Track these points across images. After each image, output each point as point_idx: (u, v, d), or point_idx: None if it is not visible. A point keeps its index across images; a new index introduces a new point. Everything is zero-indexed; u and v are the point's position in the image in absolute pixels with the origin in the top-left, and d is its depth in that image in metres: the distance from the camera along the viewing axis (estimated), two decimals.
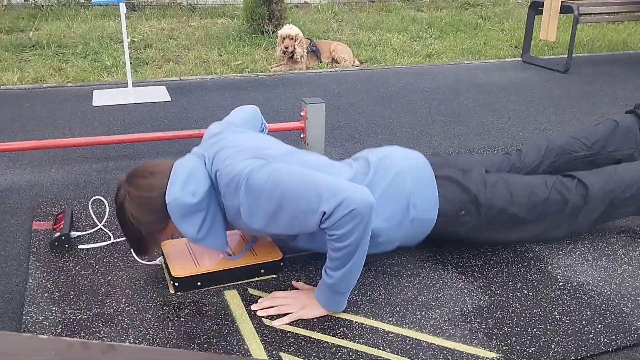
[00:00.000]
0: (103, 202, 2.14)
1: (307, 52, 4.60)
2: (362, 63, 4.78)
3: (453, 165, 1.94)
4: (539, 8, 4.44)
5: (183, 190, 1.60)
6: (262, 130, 2.09)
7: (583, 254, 1.96)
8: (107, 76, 4.21)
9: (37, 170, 2.56)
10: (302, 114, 2.74)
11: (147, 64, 4.62)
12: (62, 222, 2.00)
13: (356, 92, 3.87)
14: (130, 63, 3.70)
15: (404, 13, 7.01)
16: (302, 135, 2.77)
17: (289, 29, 4.40)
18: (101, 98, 3.58)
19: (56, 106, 3.45)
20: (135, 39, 5.24)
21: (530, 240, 1.99)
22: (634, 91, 3.92)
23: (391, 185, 1.78)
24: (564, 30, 5.57)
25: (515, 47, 5.41)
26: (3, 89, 3.78)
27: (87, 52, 4.81)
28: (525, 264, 1.91)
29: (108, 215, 2.10)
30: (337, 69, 4.49)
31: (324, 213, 1.50)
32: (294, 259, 1.89)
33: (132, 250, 1.77)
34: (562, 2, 4.22)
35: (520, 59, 4.77)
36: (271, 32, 5.55)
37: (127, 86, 3.70)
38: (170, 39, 5.51)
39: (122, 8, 3.53)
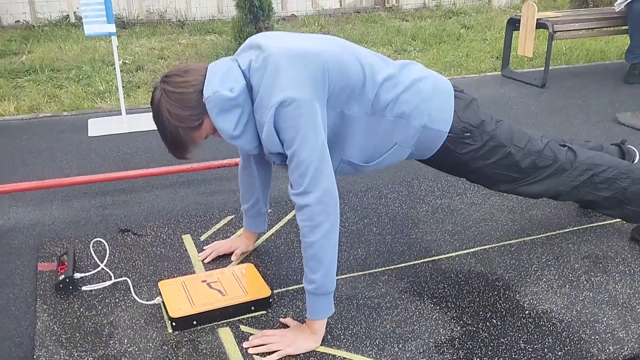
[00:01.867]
0: (103, 243, 2.28)
1: None
2: None
3: (468, 95, 2.08)
4: (517, 24, 4.61)
5: (221, 85, 1.71)
6: None
7: (549, 280, 2.13)
8: (101, 102, 4.35)
9: (39, 207, 2.70)
10: None
11: (139, 87, 4.76)
12: (66, 263, 2.14)
13: None
14: (123, 87, 3.83)
15: (389, 24, 7.16)
16: None
17: None
18: (96, 128, 3.72)
19: (53, 138, 3.59)
20: (126, 61, 5.38)
21: (513, 185, 2.12)
22: (607, 106, 4.09)
23: (412, 87, 1.90)
24: (544, 39, 5.73)
25: (497, 57, 5.57)
26: (1, 120, 3.92)
27: (80, 77, 4.94)
28: (495, 292, 2.07)
29: (109, 255, 2.25)
30: None
31: (301, 185, 1.69)
32: (282, 295, 2.04)
33: (169, 151, 1.86)
34: (537, 19, 4.38)
35: (500, 73, 4.93)
36: None
37: (120, 114, 3.85)
38: (161, 59, 5.65)
39: (114, 41, 3.67)
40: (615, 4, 4.55)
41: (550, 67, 4.66)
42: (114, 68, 5.02)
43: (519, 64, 5.20)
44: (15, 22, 6.78)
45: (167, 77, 1.78)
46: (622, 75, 4.73)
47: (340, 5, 7.87)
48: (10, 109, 4.08)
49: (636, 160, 2.59)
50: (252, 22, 5.65)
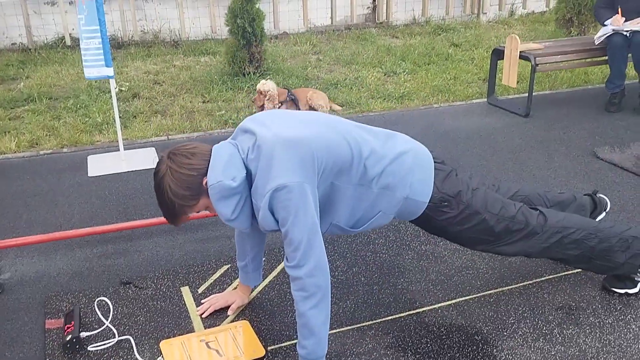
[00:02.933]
0: (107, 302, 2.43)
1: (286, 101, 4.90)
2: (341, 107, 5.08)
3: (447, 165, 2.26)
4: (501, 54, 4.76)
5: (224, 174, 1.88)
6: None
7: (524, 334, 2.29)
8: (99, 135, 4.48)
9: (44, 258, 2.84)
10: None
11: (135, 117, 4.89)
12: (72, 322, 2.28)
13: None
14: (120, 117, 3.94)
15: (380, 42, 7.31)
16: None
17: (261, 85, 4.72)
18: (96, 167, 3.86)
19: (54, 178, 3.73)
20: (122, 88, 5.50)
21: (488, 247, 2.29)
22: (587, 138, 4.25)
23: (396, 160, 2.08)
24: (528, 67, 5.89)
25: (483, 80, 5.73)
26: (3, 159, 4.05)
27: (78, 106, 5.07)
28: (474, 347, 2.22)
29: (112, 312, 2.39)
30: None
31: (294, 259, 1.87)
32: (276, 352, 2.19)
33: (166, 219, 2.03)
34: (520, 51, 4.54)
35: (486, 100, 5.09)
36: (252, 74, 5.84)
37: (118, 149, 3.98)
38: (156, 84, 5.78)
39: (112, 83, 3.81)
40: (595, 37, 4.71)
41: (534, 93, 4.82)
42: (111, 97, 5.18)
43: (505, 89, 5.36)
44: (12, 44, 6.89)
45: (175, 155, 1.94)
46: (603, 102, 4.89)
47: (332, 22, 8.01)
48: (12, 146, 4.21)
49: (607, 208, 2.75)
50: (245, 47, 5.79)
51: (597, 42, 4.68)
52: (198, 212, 2.04)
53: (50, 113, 4.94)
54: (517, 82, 4.83)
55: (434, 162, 2.19)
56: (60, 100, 5.24)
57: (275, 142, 1.90)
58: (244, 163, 1.94)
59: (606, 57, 4.71)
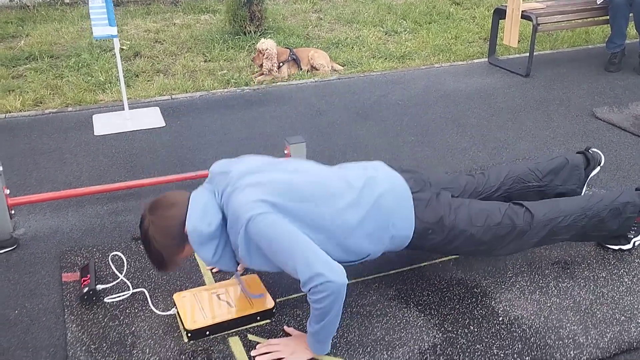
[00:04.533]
0: (121, 257, 2.51)
1: (288, 61, 4.92)
2: (342, 67, 5.11)
3: (428, 189, 2.31)
4: (503, 14, 4.76)
5: (201, 221, 1.98)
6: None
7: (521, 287, 2.39)
8: (102, 94, 4.51)
9: (56, 215, 2.92)
10: (285, 151, 3.10)
11: (137, 76, 4.91)
12: (88, 275, 2.38)
13: (335, 108, 4.22)
14: (123, 76, 3.96)
15: (381, 0, 7.26)
16: None
17: (260, 44, 4.74)
18: (101, 126, 3.91)
19: (60, 136, 3.78)
20: (123, 47, 5.50)
21: (483, 254, 2.41)
22: (586, 98, 4.31)
23: (374, 205, 2.14)
24: (530, 27, 5.89)
25: (484, 39, 5.74)
26: (9, 117, 4.09)
27: (80, 65, 5.08)
28: (474, 299, 2.33)
29: (126, 266, 2.48)
30: (316, 78, 4.82)
31: (299, 278, 1.89)
32: (284, 304, 2.29)
33: (155, 268, 2.12)
34: (522, 11, 4.55)
35: (487, 60, 5.11)
36: (253, 33, 5.83)
37: (123, 109, 4.03)
38: (157, 42, 5.78)
39: (116, 43, 3.83)
40: None
41: (535, 53, 4.85)
42: (113, 56, 5.19)
43: (506, 49, 5.37)
44: (10, 1, 6.84)
45: (155, 208, 2.03)
46: (603, 62, 4.92)
47: None
48: (17, 104, 4.24)
49: (602, 162, 2.80)
50: (245, 6, 5.76)
51: (599, 2, 4.69)
52: (186, 258, 2.14)
53: (52, 72, 4.96)
54: (518, 41, 4.84)
55: (412, 193, 2.23)
56: (62, 59, 5.25)
57: (244, 185, 2.01)
58: (220, 208, 2.03)
59: (607, 17, 4.72)
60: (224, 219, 2.03)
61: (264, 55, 4.78)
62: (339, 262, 1.96)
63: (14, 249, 2.65)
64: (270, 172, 2.11)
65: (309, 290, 1.89)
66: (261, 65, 4.84)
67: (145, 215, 2.04)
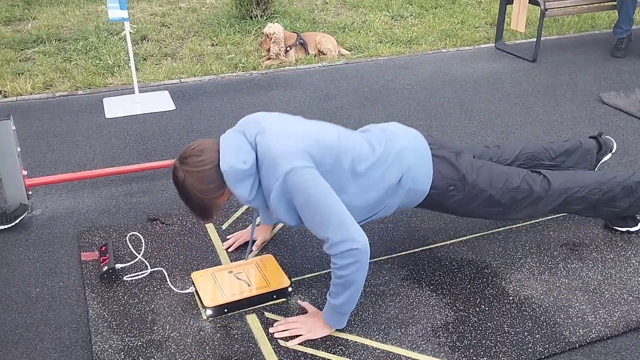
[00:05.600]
0: (139, 236, 2.56)
1: (295, 45, 4.94)
2: (349, 51, 5.13)
3: (447, 147, 2.36)
4: None
5: (236, 158, 1.98)
6: None
7: (531, 268, 2.44)
8: (111, 77, 4.54)
9: (72, 196, 2.97)
10: None
11: (145, 59, 4.94)
12: (107, 254, 2.43)
13: (343, 92, 4.25)
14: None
15: None
16: None
17: (267, 28, 4.76)
18: (112, 109, 3.94)
19: (72, 119, 3.82)
20: (131, 31, 5.50)
21: (498, 216, 2.45)
22: (593, 83, 4.34)
23: (395, 160, 2.19)
24: (537, 12, 5.90)
25: (491, 24, 5.75)
26: (20, 100, 4.12)
27: (88, 49, 5.10)
28: (484, 279, 2.38)
29: (144, 246, 2.53)
30: (324, 63, 4.84)
31: (328, 239, 1.92)
32: (299, 284, 2.35)
33: (197, 219, 2.16)
34: None
35: (494, 45, 5.13)
36: (259, 17, 5.84)
37: (133, 92, 4.06)
38: (163, 26, 5.79)
39: (127, 26, 3.85)
40: None
41: (542, 38, 4.87)
42: (120, 39, 5.22)
43: (513, 34, 5.39)
44: None
45: (185, 158, 2.01)
46: (610, 48, 4.95)
47: None
48: (27, 87, 4.27)
49: (614, 149, 2.85)
50: None
51: None
52: (227, 200, 2.13)
53: (60, 55, 4.98)
54: (525, 26, 4.86)
55: (432, 149, 2.28)
56: (70, 42, 5.27)
57: (278, 131, 2.04)
58: (251, 146, 2.02)
59: (615, 2, 4.74)
60: (257, 159, 2.02)
61: (271, 39, 4.80)
62: (357, 216, 2.02)
63: (15, 224, 2.68)
64: (302, 124, 2.13)
65: (339, 253, 1.89)
66: (268, 50, 4.86)
67: (177, 167, 2.00)
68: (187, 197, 2.04)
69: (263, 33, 4.92)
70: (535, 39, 4.81)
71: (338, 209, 1.95)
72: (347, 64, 4.84)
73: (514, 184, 2.35)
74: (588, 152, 2.75)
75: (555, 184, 2.40)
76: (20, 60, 4.88)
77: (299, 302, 2.25)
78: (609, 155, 2.82)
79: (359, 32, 5.60)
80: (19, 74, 4.53)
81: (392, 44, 5.28)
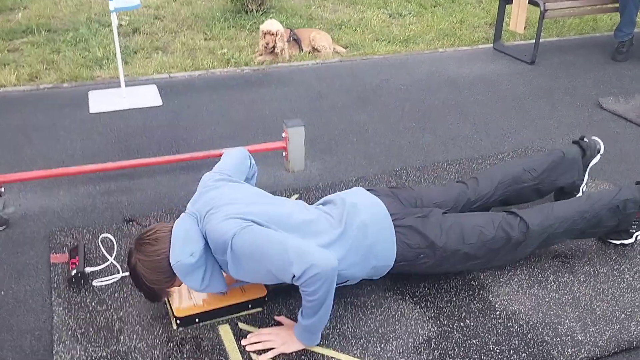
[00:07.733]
0: (111, 239, 2.46)
1: (289, 41, 4.82)
2: (345, 49, 5.01)
3: (413, 214, 2.24)
4: None
5: (182, 253, 1.94)
6: (252, 170, 2.41)
7: (520, 281, 2.33)
8: (99, 70, 4.43)
9: (47, 193, 2.86)
10: (283, 135, 3.04)
11: (136, 52, 4.82)
12: (77, 257, 2.32)
13: (336, 91, 4.14)
14: (121, 52, 3.87)
15: None
16: (284, 154, 3.08)
17: (269, 25, 4.61)
18: (97, 104, 3.83)
19: (55, 113, 3.71)
20: (122, 23, 5.40)
21: (477, 268, 2.36)
22: (592, 87, 4.22)
23: (356, 237, 2.11)
24: (537, 13, 5.78)
25: (490, 25, 5.63)
26: (3, 91, 4.01)
27: (77, 40, 4.99)
28: (471, 292, 2.27)
29: (116, 248, 2.42)
30: (318, 60, 4.72)
31: (294, 275, 1.84)
32: (276, 293, 2.24)
33: (150, 301, 2.10)
34: None
35: (492, 45, 5.02)
36: (254, 12, 5.72)
37: (119, 86, 3.94)
38: (156, 19, 5.67)
39: (114, 18, 3.74)
40: None
41: (541, 40, 4.75)
42: (111, 31, 5.09)
43: (512, 35, 5.28)
44: None
45: (140, 245, 1.99)
46: (610, 51, 4.83)
47: None
48: (11, 79, 4.16)
49: (601, 150, 2.72)
50: None
51: None
52: (178, 286, 2.09)
53: (49, 46, 4.87)
54: (524, 27, 4.74)
55: (395, 220, 2.17)
56: (60, 33, 5.16)
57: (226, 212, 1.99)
58: (200, 234, 1.99)
59: (617, 5, 4.62)
60: (207, 244, 2.00)
61: (277, 36, 4.65)
62: None
63: (3, 229, 2.59)
64: (256, 204, 2.08)
65: (304, 282, 1.83)
66: (273, 47, 4.68)
67: (132, 251, 2.01)
68: (137, 282, 2.02)
69: (261, 30, 4.74)
70: (534, 40, 4.69)
71: (291, 244, 1.90)
72: (341, 61, 4.73)
73: (488, 236, 2.22)
74: (573, 162, 2.63)
75: (533, 225, 2.26)
76: (7, 51, 4.77)
77: (276, 317, 2.14)
78: (598, 157, 2.69)
79: (356, 29, 5.49)
80: (4, 64, 4.42)
81: (389, 42, 5.17)
